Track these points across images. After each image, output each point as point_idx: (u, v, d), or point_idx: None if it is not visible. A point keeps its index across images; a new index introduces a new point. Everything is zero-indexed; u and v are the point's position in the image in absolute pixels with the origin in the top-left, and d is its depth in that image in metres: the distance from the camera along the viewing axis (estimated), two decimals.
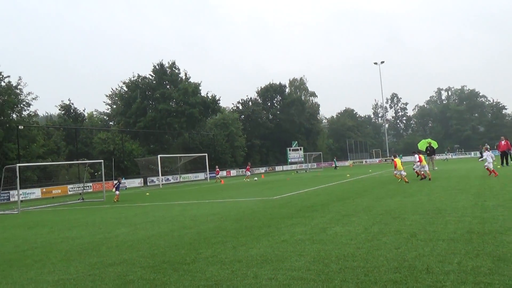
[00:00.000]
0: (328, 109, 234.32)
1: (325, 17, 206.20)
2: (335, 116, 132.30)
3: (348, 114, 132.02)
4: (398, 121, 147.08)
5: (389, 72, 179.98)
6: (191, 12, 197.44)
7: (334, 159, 75.61)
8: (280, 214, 13.45)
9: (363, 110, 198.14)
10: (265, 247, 8.41)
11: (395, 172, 25.08)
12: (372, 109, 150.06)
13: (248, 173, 48.83)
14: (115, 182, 28.53)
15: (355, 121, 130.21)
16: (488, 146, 29.22)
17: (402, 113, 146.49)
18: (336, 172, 50.91)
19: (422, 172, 25.14)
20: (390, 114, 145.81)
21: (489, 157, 24.34)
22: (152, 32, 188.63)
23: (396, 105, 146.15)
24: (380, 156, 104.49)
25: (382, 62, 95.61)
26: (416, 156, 25.77)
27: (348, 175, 37.28)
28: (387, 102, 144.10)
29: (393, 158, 26.34)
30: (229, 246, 8.80)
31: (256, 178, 45.37)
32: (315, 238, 8.86)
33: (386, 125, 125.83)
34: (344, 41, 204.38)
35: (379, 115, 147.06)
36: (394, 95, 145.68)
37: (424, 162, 25.32)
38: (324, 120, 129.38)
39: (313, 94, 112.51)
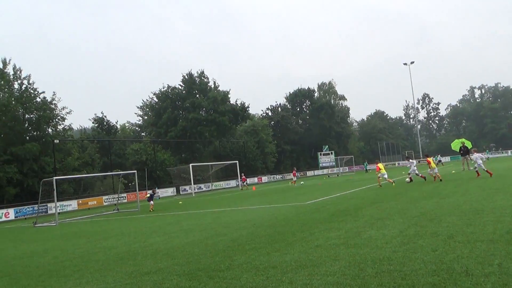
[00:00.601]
0: (358, 112, 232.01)
1: (350, 19, 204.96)
2: (365, 119, 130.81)
3: (379, 116, 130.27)
4: (430, 121, 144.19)
5: (419, 72, 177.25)
6: (215, 21, 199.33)
7: (365, 162, 74.69)
8: (313, 219, 13.36)
9: (394, 111, 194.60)
10: (299, 252, 8.37)
11: (429, 171, 25.31)
12: (403, 110, 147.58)
13: (295, 178, 48.85)
14: (149, 192, 28.97)
15: (386, 123, 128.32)
16: (476, 149, 29.14)
17: (435, 113, 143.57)
18: (368, 175, 50.27)
19: (434, 175, 25.41)
20: (422, 114, 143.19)
21: (478, 159, 24.73)
22: (179, 44, 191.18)
23: (428, 106, 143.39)
24: (413, 157, 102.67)
25: (412, 63, 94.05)
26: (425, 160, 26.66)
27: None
28: (418, 103, 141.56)
29: (426, 157, 27.08)
30: (263, 252, 8.79)
31: (302, 182, 45.34)
32: (350, 243, 8.76)
33: (418, 126, 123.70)
34: (372, 43, 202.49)
35: (411, 116, 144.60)
36: (425, 95, 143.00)
37: (433, 165, 25.82)
38: (354, 123, 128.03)
39: (343, 98, 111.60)
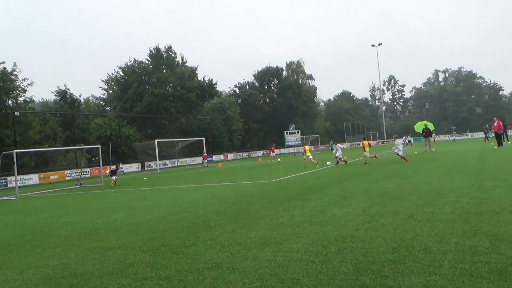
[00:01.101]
0: (325, 92, 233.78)
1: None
2: (332, 99, 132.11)
3: (345, 96, 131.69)
4: (395, 103, 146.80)
5: (386, 54, 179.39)
6: None
7: (331, 142, 75.52)
8: (278, 197, 13.49)
9: (360, 92, 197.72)
10: (263, 229, 8.44)
11: (365, 154, 27.40)
12: (369, 91, 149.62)
13: (273, 154, 48.69)
14: (112, 167, 28.56)
15: (352, 104, 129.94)
16: (397, 135, 30.61)
17: (399, 95, 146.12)
18: (331, 155, 50.93)
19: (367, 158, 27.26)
20: (387, 96, 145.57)
21: (400, 145, 26.55)
22: (146, 17, 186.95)
23: (393, 87, 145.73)
24: (378, 138, 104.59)
25: (380, 44, 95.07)
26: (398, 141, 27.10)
27: (345, 158, 37.31)
28: (384, 85, 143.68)
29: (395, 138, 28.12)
30: (227, 229, 8.83)
31: (279, 160, 45.39)
32: (314, 220, 8.90)
33: (383, 108, 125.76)
34: (341, 23, 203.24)
35: (376, 97, 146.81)
36: (391, 77, 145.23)
37: (367, 149, 27.63)
38: (321, 103, 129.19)
39: (310, 77, 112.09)
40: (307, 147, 29.84)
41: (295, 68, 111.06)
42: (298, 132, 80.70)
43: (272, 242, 7.30)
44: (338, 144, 29.47)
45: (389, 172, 19.31)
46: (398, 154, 26.23)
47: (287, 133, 79.95)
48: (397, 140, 27.86)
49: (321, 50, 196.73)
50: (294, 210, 10.52)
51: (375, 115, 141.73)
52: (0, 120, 42.63)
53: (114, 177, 26.95)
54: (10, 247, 9.15)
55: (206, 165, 48.77)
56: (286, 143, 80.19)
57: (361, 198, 11.54)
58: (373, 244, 6.57)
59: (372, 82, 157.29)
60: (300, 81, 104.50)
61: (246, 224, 9.21)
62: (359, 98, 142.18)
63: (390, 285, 4.84)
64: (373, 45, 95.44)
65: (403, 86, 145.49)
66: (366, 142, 28.28)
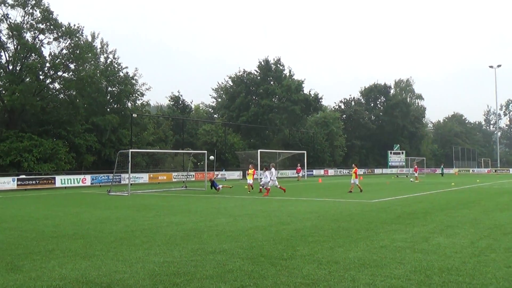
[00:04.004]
0: (434, 113, 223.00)
1: (434, 17, 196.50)
2: (441, 121, 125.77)
3: (456, 119, 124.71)
4: None
5: (505, 77, 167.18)
6: (293, 9, 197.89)
7: (442, 166, 71.55)
8: (379, 218, 13.14)
9: (473, 116, 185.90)
10: (363, 251, 8.29)
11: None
12: (484, 115, 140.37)
13: (299, 174, 49.19)
14: (212, 179, 28.39)
15: (464, 127, 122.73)
16: (269, 166, 26.89)
17: None
18: (440, 179, 48.48)
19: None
20: (503, 121, 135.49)
21: (267, 176, 24.44)
22: (256, 29, 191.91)
23: (511, 112, 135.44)
24: (490, 166, 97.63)
25: (499, 66, 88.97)
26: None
27: (453, 183, 35.33)
28: (501, 109, 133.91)
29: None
30: (326, 246, 8.79)
31: (298, 179, 44.68)
32: (417, 247, 8.56)
33: (499, 133, 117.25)
34: (455, 42, 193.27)
35: (492, 122, 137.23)
36: (509, 102, 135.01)
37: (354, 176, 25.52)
38: (429, 124, 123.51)
39: (420, 97, 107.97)
40: (250, 171, 27.38)
41: (404, 86, 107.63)
42: (402, 153, 77.93)
43: (372, 265, 7.14)
44: (267, 171, 25.24)
45: (502, 203, 17.97)
46: None
47: (391, 153, 77.55)
48: None
49: (432, 68, 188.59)
50: (396, 234, 10.19)
51: (488, 141, 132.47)
52: (119, 120, 46.13)
53: (220, 186, 27.41)
54: (121, 240, 9.87)
55: (298, 179, 48.65)
56: (389, 163, 77.71)
57: (469, 229, 10.89)
58: (482, 280, 6.18)
59: (488, 106, 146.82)
60: (408, 100, 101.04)
61: (345, 243, 9.10)
62: (472, 122, 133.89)
63: None
64: (491, 67, 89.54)
65: None
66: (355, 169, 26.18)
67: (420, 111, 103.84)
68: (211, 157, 36.92)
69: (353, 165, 27.79)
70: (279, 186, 25.29)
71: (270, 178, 24.81)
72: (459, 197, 21.77)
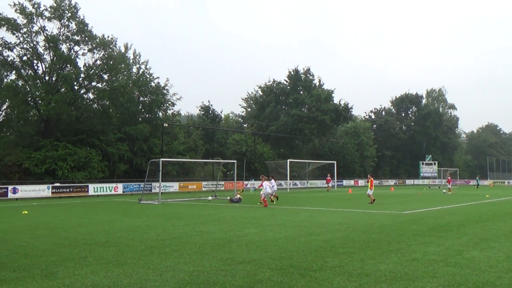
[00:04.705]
0: (468, 123, 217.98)
1: (467, 24, 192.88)
2: (475, 131, 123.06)
3: (491, 129, 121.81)
4: None
5: None
6: (316, 20, 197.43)
7: (477, 178, 69.72)
8: (411, 230, 12.92)
9: (509, 126, 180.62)
10: (394, 263, 8.17)
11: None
12: None
13: (329, 184, 49.31)
14: (237, 197, 27.89)
15: (499, 138, 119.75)
16: (266, 176, 25.92)
17: None
18: (475, 191, 47.34)
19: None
20: None
21: (267, 187, 23.92)
22: (285, 39, 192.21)
23: None
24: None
25: None
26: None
27: (487, 195, 34.47)
28: None
29: None
30: (356, 258, 8.69)
31: (444, 191, 43.68)
32: (450, 261, 8.38)
33: None
34: (490, 51, 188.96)
35: None
36: None
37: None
38: (462, 135, 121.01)
39: (452, 107, 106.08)
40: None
41: (436, 96, 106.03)
42: (435, 163, 76.56)
43: (403, 278, 7.02)
44: (267, 182, 24.62)
45: None
46: None
47: (422, 163, 76.28)
48: None
49: (465, 77, 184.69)
50: (428, 246, 10.00)
51: None
52: (150, 129, 46.86)
53: (238, 196, 27.05)
54: (152, 248, 9.99)
55: (328, 189, 48.29)
56: (421, 174, 76.40)
57: (504, 242, 10.60)
58: None
59: None
60: (440, 110, 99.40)
61: (376, 255, 8.99)
62: (507, 132, 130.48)
63: None
64: None
65: None
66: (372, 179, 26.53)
67: (453, 121, 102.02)
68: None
69: (369, 175, 27.66)
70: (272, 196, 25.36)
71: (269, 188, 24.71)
72: (494, 209, 21.22)
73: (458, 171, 78.79)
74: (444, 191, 43.49)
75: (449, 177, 48.50)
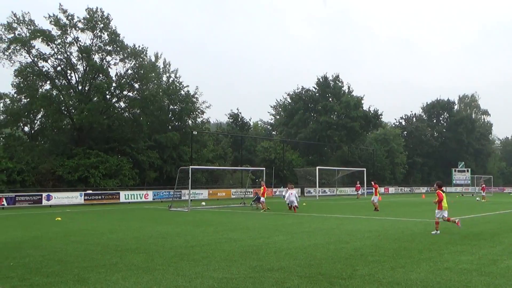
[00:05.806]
0: (502, 129, 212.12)
1: (500, 27, 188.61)
2: (510, 137, 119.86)
3: None
4: None
5: None
6: (340, 27, 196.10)
7: None
8: (443, 239, 12.66)
9: None
10: (426, 272, 8.02)
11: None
12: None
13: (359, 192, 48.76)
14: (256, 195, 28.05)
15: None
16: (292, 185, 25.71)
17: None
18: (509, 199, 46.04)
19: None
20: None
21: (292, 196, 23.98)
22: (313, 46, 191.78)
23: None
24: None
25: None
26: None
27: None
28: None
29: None
30: (387, 266, 8.57)
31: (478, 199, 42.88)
32: (484, 270, 8.17)
33: None
34: None
35: None
36: None
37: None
38: (496, 141, 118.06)
39: (486, 113, 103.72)
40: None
41: (469, 102, 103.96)
42: (467, 170, 74.93)
43: (435, 287, 6.88)
44: (289, 190, 24.69)
45: None
46: None
47: (455, 170, 74.75)
48: None
49: (498, 82, 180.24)
50: (461, 255, 9.77)
51: None
52: (180, 137, 47.40)
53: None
54: (181, 255, 10.06)
55: (358, 196, 47.80)
56: (454, 182, 74.85)
57: None
58: None
59: None
60: (473, 116, 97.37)
61: (406, 263, 8.84)
62: None
63: None
64: None
65: None
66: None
67: (486, 127, 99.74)
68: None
69: (372, 182, 27.08)
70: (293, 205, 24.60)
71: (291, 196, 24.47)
72: None
73: (492, 178, 76.89)
74: (477, 198, 42.49)
75: (483, 185, 47.30)
